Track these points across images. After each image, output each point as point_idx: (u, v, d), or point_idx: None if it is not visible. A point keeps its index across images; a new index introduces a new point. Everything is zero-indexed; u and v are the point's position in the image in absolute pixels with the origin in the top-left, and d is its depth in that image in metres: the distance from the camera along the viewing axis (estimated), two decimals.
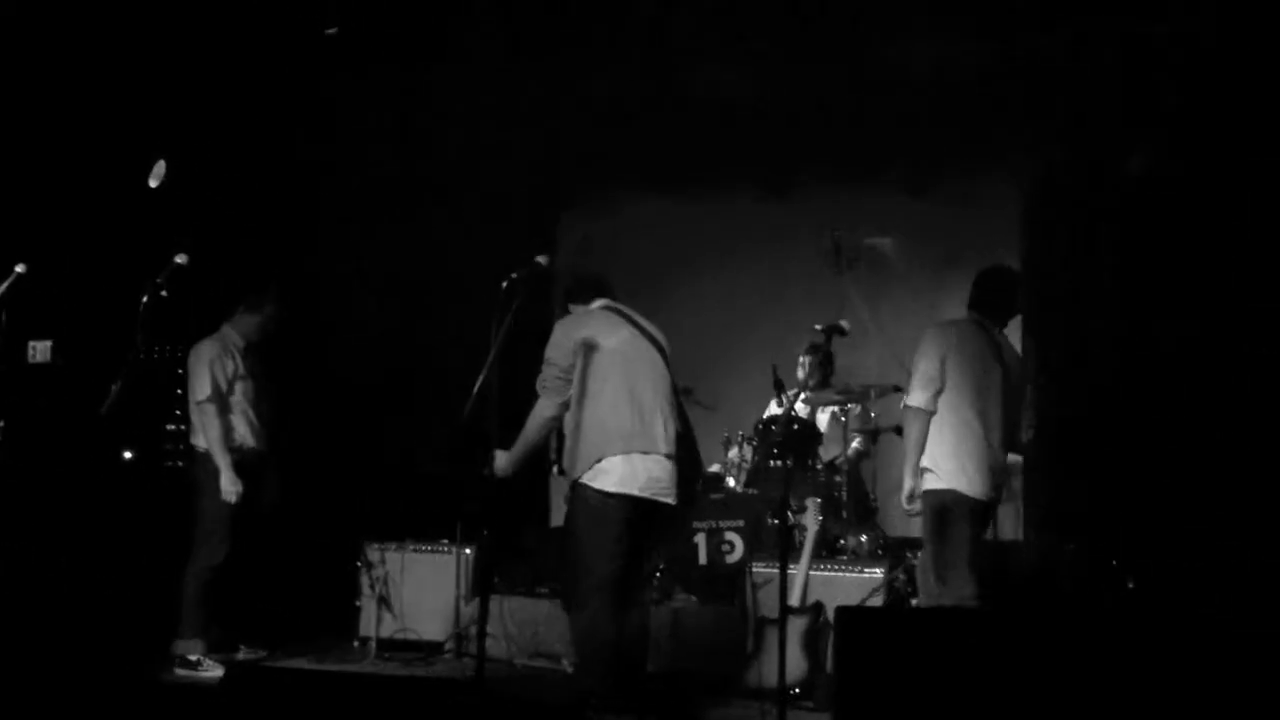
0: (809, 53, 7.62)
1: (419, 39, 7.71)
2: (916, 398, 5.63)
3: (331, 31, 7.20)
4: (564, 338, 5.49)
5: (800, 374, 7.64)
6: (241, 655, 6.82)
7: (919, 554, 5.92)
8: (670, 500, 5.44)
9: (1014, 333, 6.47)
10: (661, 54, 7.84)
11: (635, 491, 5.33)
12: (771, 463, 7.25)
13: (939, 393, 5.58)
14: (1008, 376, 5.67)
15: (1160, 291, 7.10)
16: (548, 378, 5.49)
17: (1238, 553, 6.24)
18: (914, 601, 6.22)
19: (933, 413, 5.58)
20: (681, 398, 5.73)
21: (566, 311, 5.75)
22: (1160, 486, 6.75)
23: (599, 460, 5.34)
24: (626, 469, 5.33)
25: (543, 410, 5.52)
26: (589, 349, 5.43)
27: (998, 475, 5.60)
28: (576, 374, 5.42)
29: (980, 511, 5.59)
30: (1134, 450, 6.96)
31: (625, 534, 5.35)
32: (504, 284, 5.28)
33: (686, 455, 5.57)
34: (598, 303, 5.67)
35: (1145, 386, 6.99)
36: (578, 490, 5.41)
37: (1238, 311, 6.76)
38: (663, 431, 5.42)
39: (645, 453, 5.35)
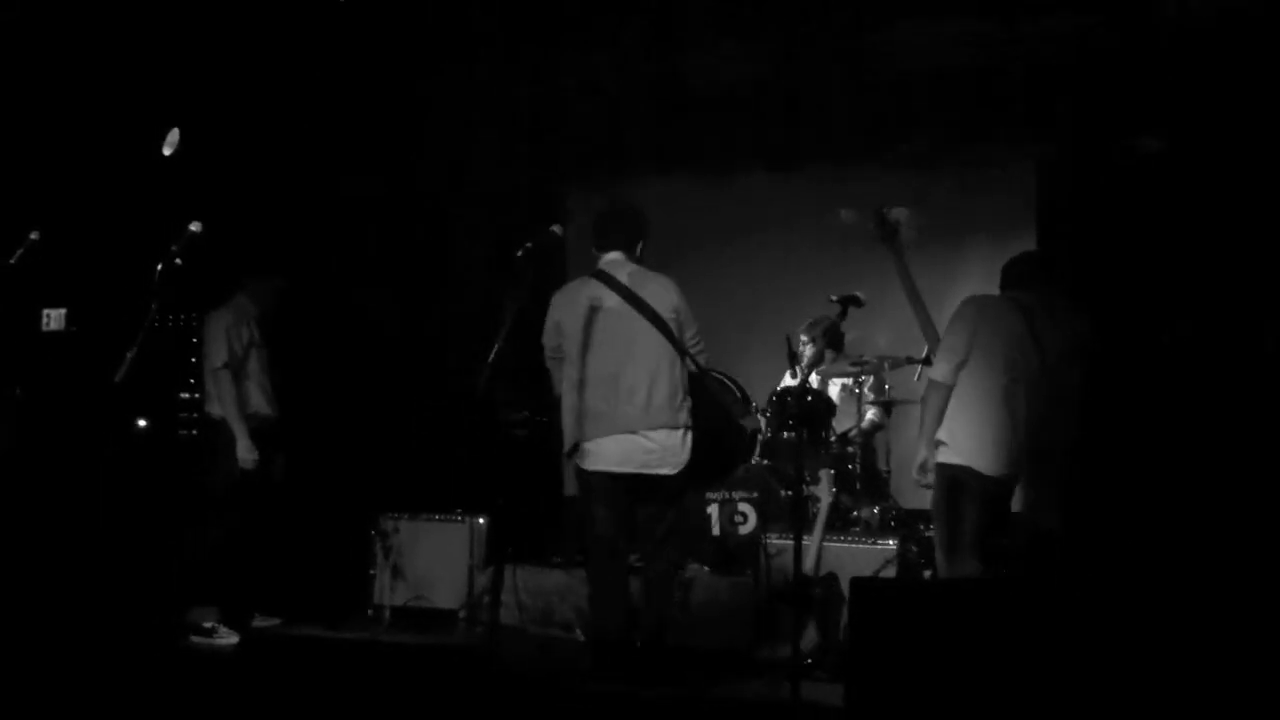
0: (819, 29, 7.60)
1: (433, 15, 7.68)
2: (938, 370, 5.59)
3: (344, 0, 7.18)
4: (547, 319, 5.53)
5: (806, 351, 7.58)
6: (256, 623, 6.84)
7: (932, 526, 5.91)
8: (665, 471, 5.43)
9: None
10: (669, 31, 7.82)
11: (615, 468, 5.36)
12: (785, 434, 7.24)
13: (961, 365, 5.52)
14: (1044, 360, 5.57)
15: (1177, 273, 7.06)
16: (546, 359, 5.58)
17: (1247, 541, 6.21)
18: (925, 573, 6.22)
19: (952, 386, 5.53)
20: (693, 359, 5.65)
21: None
22: (1173, 474, 6.72)
23: (576, 443, 5.41)
24: (604, 449, 5.39)
25: (556, 390, 5.60)
26: (560, 331, 5.47)
27: (1017, 455, 5.51)
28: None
29: (995, 490, 5.53)
30: (1146, 435, 6.92)
31: (609, 505, 5.44)
32: (518, 253, 5.28)
33: (712, 421, 5.55)
34: (604, 258, 5.64)
35: (1161, 370, 6.96)
36: (574, 463, 5.51)
37: (1257, 294, 6.72)
38: (643, 409, 5.39)
39: (623, 433, 5.35)
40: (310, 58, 7.68)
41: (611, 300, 5.49)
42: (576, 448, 5.44)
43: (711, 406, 5.66)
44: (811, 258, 8.50)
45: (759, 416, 7.26)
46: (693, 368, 5.60)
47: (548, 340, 5.56)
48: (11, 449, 6.98)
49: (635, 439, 5.37)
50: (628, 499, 5.48)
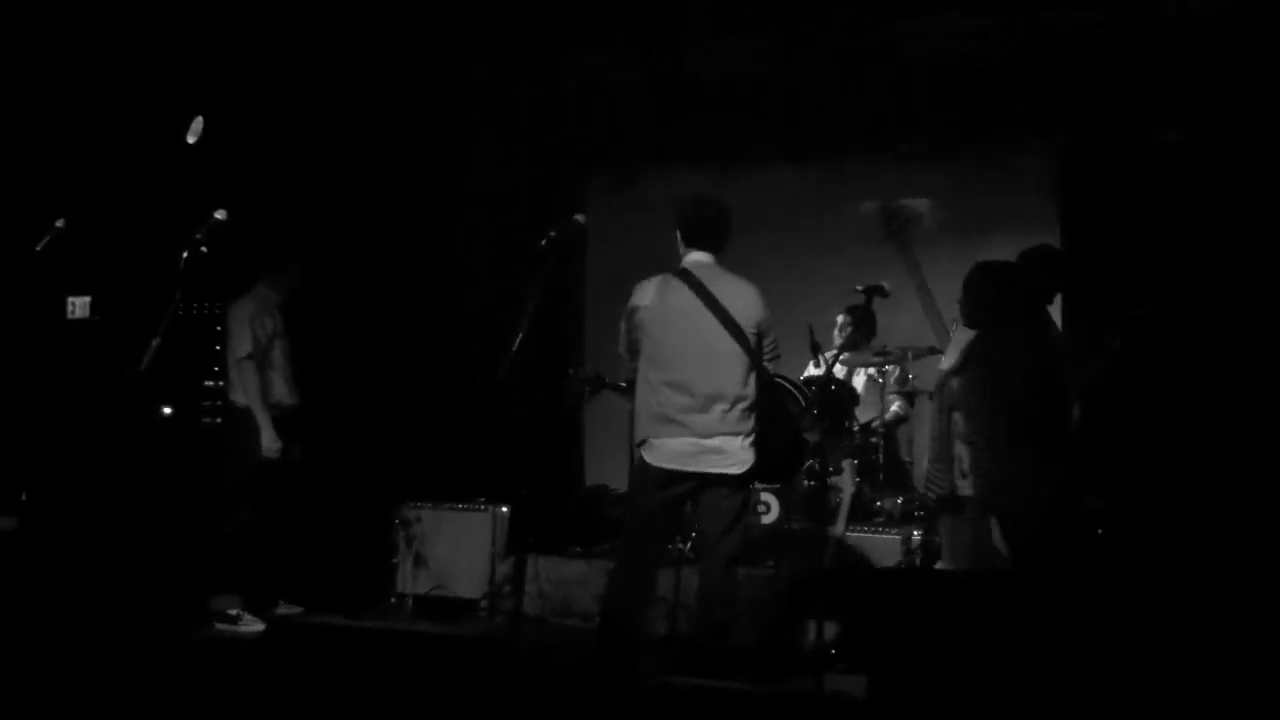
0: (838, 21, 7.57)
1: (433, 15, 7.68)
2: (945, 362, 5.60)
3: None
4: (631, 312, 5.48)
5: (838, 337, 7.58)
6: (280, 611, 6.87)
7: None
8: (730, 470, 5.40)
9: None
10: (690, 23, 7.80)
11: (680, 467, 5.35)
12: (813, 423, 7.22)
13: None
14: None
15: (1201, 263, 7.02)
16: (620, 348, 5.58)
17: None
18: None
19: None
20: (770, 367, 5.59)
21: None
22: (1202, 463, 6.67)
23: (645, 439, 5.40)
24: (672, 448, 5.35)
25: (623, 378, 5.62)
26: (638, 327, 5.44)
27: None
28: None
29: None
30: (1172, 424, 6.88)
31: (661, 499, 5.41)
32: (542, 242, 5.27)
33: (775, 429, 5.53)
34: (687, 258, 5.53)
35: (1180, 358, 6.91)
36: (638, 451, 5.49)
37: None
38: (719, 419, 5.34)
39: (684, 437, 5.34)
40: (317, 54, 7.68)
41: (696, 305, 5.39)
42: (645, 441, 5.43)
43: (777, 413, 5.63)
44: (829, 250, 8.48)
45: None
46: (765, 375, 5.57)
47: (626, 334, 5.51)
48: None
49: (704, 442, 5.35)
50: (681, 499, 5.47)
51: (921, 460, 7.30)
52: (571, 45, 8.13)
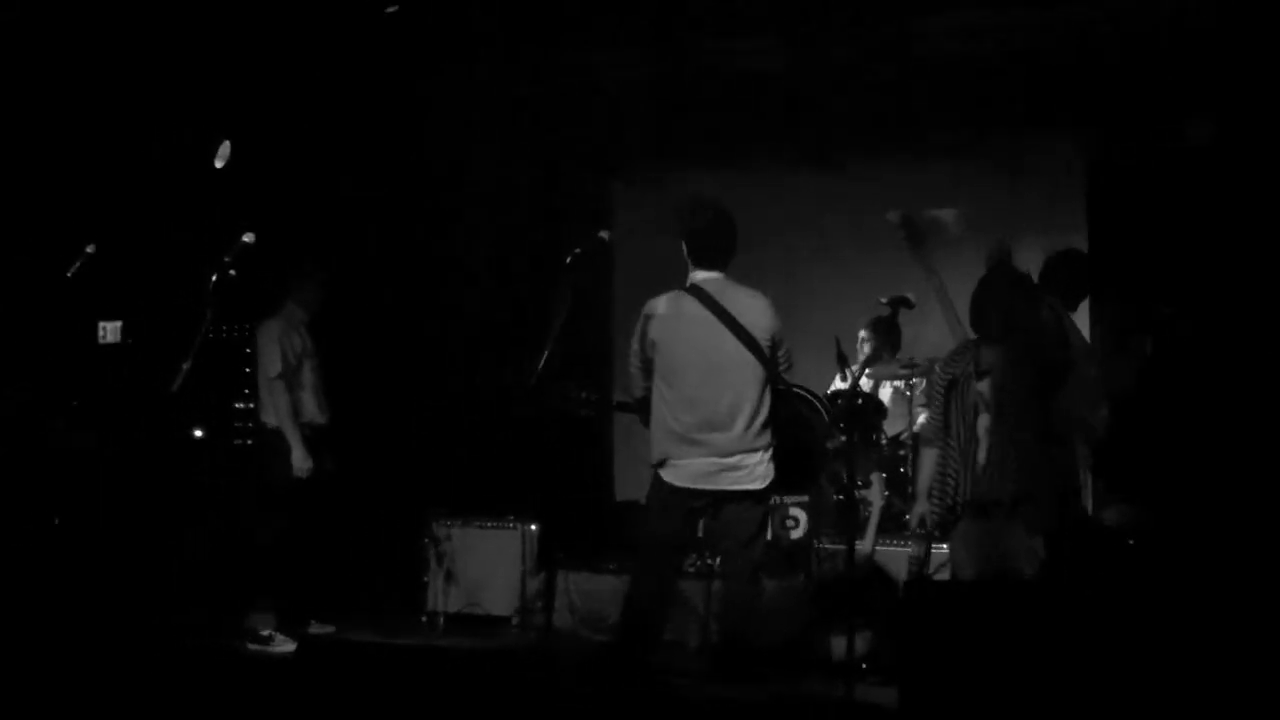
0: (859, 21, 7.55)
1: (433, 15, 7.69)
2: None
3: (392, 9, 7.21)
4: (642, 329, 5.47)
5: (865, 350, 7.56)
6: (312, 630, 6.90)
7: None
8: (751, 486, 5.40)
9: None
10: (710, 26, 7.80)
11: (699, 485, 5.35)
12: (837, 435, 7.21)
13: None
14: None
15: (1229, 263, 6.98)
16: (629, 364, 5.57)
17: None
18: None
19: None
20: (783, 377, 5.59)
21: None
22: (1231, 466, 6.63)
23: (664, 459, 5.39)
24: (692, 468, 5.35)
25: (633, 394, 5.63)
26: (652, 345, 5.43)
27: None
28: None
29: None
30: (1200, 428, 6.84)
31: (679, 516, 5.42)
32: (567, 258, 5.29)
33: (794, 439, 5.53)
34: (695, 275, 5.51)
35: (1213, 361, 6.88)
36: (654, 469, 5.48)
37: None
38: (738, 437, 5.34)
39: (706, 457, 5.34)
40: (313, 59, 7.69)
41: (709, 320, 5.38)
42: (664, 462, 5.43)
43: (795, 425, 5.63)
44: (852, 256, 8.46)
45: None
46: (781, 385, 5.57)
47: (639, 353, 5.48)
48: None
49: (724, 460, 5.35)
50: (698, 514, 5.48)
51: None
52: (572, 45, 8.12)
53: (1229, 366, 6.65)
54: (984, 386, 5.22)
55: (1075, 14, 7.42)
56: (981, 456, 5.24)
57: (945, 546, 6.28)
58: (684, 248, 5.52)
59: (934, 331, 7.99)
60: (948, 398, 5.36)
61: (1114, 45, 7.36)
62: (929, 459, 5.48)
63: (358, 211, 8.02)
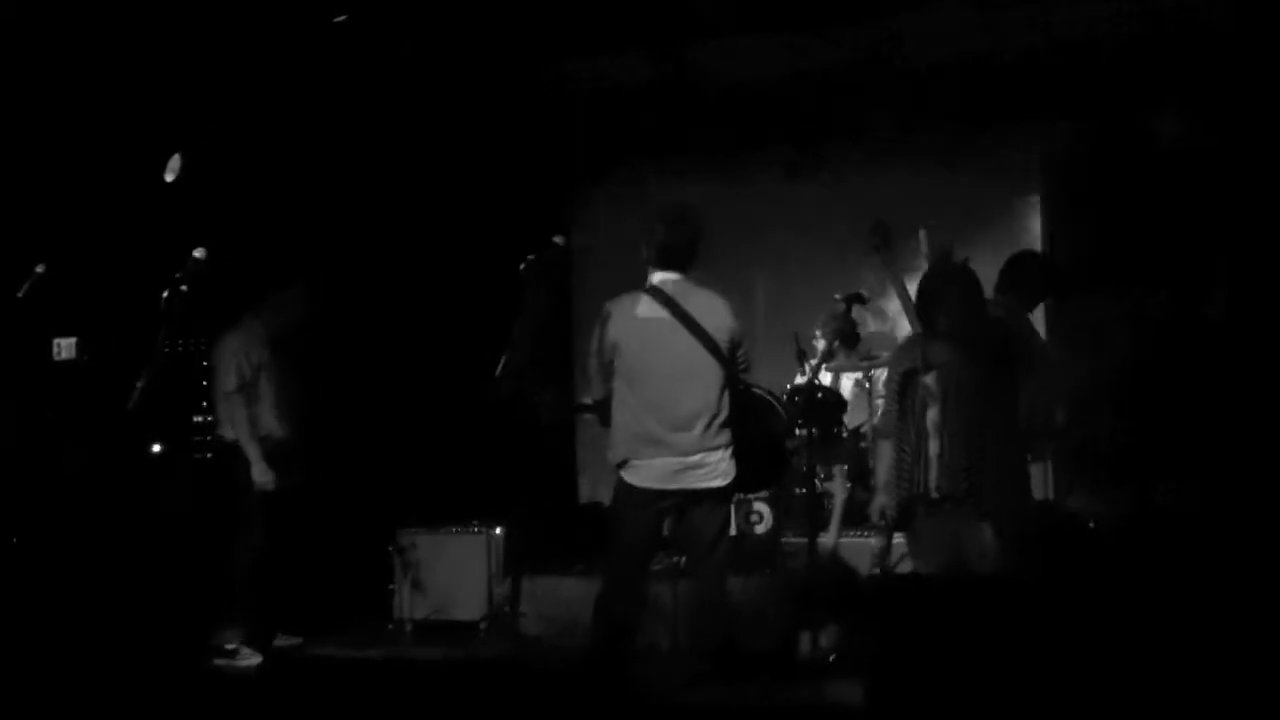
0: (828, 28, 7.58)
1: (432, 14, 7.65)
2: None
3: (340, 19, 7.16)
4: (602, 331, 5.48)
5: (820, 346, 7.58)
6: (278, 643, 6.87)
7: None
8: (714, 484, 5.41)
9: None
10: (683, 30, 7.79)
11: (662, 486, 5.37)
12: (797, 432, 7.24)
13: None
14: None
15: (1186, 264, 7.03)
16: (590, 367, 5.56)
17: None
18: None
19: None
20: (744, 377, 5.62)
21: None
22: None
23: (625, 459, 5.40)
24: (655, 468, 5.37)
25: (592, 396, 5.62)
26: (613, 346, 5.43)
27: None
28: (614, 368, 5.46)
29: None
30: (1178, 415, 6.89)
31: (645, 518, 5.44)
32: (521, 266, 5.28)
33: (754, 438, 5.55)
34: (655, 276, 5.50)
35: (1166, 362, 6.92)
36: (617, 472, 5.49)
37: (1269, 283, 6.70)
38: (699, 437, 5.36)
39: (668, 457, 5.36)
40: (302, 64, 7.65)
41: (669, 322, 5.39)
42: (625, 462, 5.44)
43: (755, 424, 5.65)
44: (819, 256, 8.49)
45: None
46: (740, 386, 5.59)
47: (599, 354, 5.48)
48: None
49: (687, 460, 5.37)
50: (664, 514, 5.50)
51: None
52: (568, 47, 8.11)
53: (1207, 354, 6.70)
54: (931, 380, 5.25)
55: (1033, 15, 7.45)
56: (932, 450, 5.27)
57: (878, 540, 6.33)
58: (644, 249, 5.53)
59: (893, 324, 8.04)
60: (903, 391, 5.39)
61: (1064, 46, 7.41)
62: (886, 451, 5.51)
63: (317, 225, 7.97)
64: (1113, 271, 7.19)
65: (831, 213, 8.39)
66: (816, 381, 7.20)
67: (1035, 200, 8.17)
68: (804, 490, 6.70)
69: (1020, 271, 5.94)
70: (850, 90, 7.87)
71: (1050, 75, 7.50)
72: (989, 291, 5.73)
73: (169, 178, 6.96)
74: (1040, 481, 7.19)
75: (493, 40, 7.73)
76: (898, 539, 5.74)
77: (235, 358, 6.77)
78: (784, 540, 6.71)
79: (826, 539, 6.24)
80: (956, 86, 7.70)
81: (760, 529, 6.96)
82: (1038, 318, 6.26)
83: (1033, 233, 8.13)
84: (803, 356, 7.27)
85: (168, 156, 7.13)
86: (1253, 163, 6.91)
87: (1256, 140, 6.89)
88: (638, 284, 5.54)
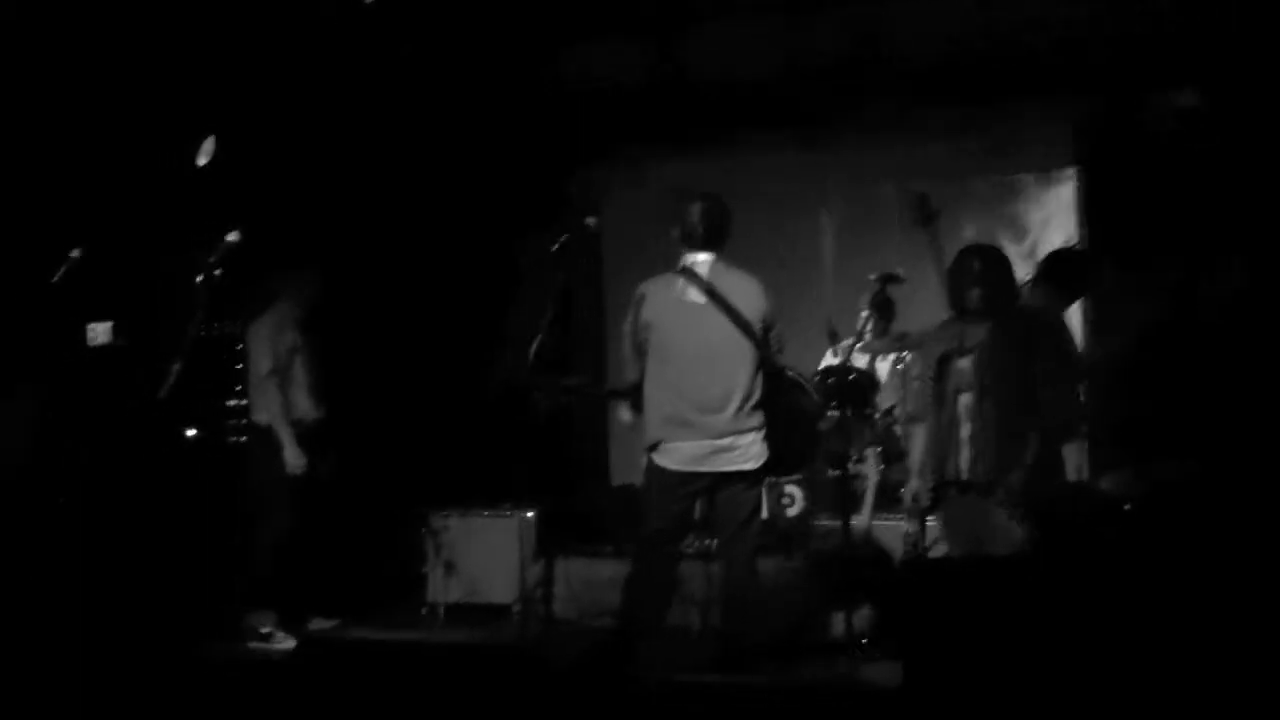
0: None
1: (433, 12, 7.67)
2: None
3: (369, 1, 7.17)
4: (636, 312, 5.48)
5: (867, 326, 7.53)
6: (313, 626, 6.89)
7: None
8: (745, 466, 5.41)
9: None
10: (690, 5, 7.78)
11: (694, 468, 5.36)
12: (829, 413, 7.21)
13: None
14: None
15: (1223, 240, 6.96)
16: (622, 347, 5.57)
17: None
18: None
19: None
20: (774, 359, 5.61)
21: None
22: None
23: (657, 442, 5.41)
24: (686, 450, 5.37)
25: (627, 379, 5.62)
26: (646, 326, 5.43)
27: None
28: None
29: None
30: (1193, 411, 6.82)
31: (676, 501, 5.46)
32: (553, 246, 5.27)
33: (786, 421, 5.53)
34: (688, 258, 5.52)
35: (1208, 343, 6.85)
36: (648, 454, 5.50)
37: None
38: (731, 418, 5.38)
39: (699, 439, 5.34)
40: (316, 55, 7.65)
41: (703, 303, 5.42)
42: (657, 445, 5.43)
43: (786, 405, 5.64)
44: (846, 235, 8.44)
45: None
46: (772, 369, 5.58)
47: (633, 335, 5.51)
48: (29, 461, 7.03)
49: (718, 442, 5.38)
50: (695, 497, 5.51)
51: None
52: (570, 40, 8.09)
53: (1238, 332, 6.64)
54: (966, 364, 5.23)
55: None
56: (964, 433, 5.24)
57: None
58: (677, 231, 5.51)
59: (930, 306, 7.98)
60: (939, 374, 5.36)
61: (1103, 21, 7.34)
62: (920, 435, 5.49)
63: (349, 207, 7.99)
64: (1154, 246, 7.12)
65: (855, 189, 8.33)
66: (849, 363, 7.16)
67: (1069, 176, 8.08)
68: (836, 472, 6.67)
69: (1064, 266, 5.93)
70: (870, 61, 7.81)
71: (1083, 49, 7.43)
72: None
73: (201, 161, 6.97)
74: (1073, 463, 7.15)
75: (495, 30, 7.74)
76: (930, 522, 5.73)
77: (269, 342, 6.79)
78: (816, 523, 6.68)
79: (859, 521, 6.21)
80: (985, 60, 7.63)
81: (792, 511, 6.94)
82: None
83: (1066, 209, 8.04)
84: (834, 338, 7.24)
85: (200, 141, 7.14)
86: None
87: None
88: (641, 275, 5.59)
